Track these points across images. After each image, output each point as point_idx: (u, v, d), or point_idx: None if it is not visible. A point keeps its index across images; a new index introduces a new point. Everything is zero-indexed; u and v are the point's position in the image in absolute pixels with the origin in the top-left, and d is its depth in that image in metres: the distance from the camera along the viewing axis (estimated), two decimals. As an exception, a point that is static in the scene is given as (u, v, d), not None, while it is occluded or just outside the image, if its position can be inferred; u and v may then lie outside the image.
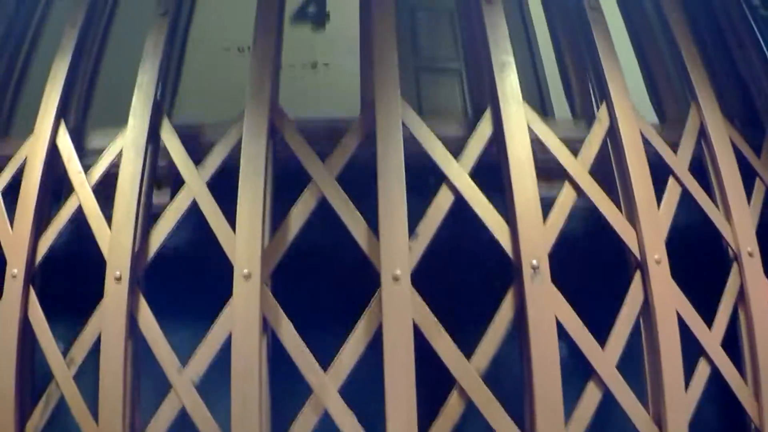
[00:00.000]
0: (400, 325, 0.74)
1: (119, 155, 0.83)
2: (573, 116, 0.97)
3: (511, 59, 0.84)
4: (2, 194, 0.91)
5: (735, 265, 0.93)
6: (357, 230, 0.77)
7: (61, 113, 0.90)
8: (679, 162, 0.91)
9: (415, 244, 0.77)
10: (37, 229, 0.88)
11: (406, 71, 0.85)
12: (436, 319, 0.77)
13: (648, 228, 0.85)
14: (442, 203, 0.79)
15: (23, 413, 0.86)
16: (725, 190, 0.92)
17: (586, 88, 0.96)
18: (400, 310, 0.74)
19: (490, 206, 0.79)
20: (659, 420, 0.85)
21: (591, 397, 0.83)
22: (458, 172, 0.79)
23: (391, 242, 0.75)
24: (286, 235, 0.78)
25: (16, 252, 0.87)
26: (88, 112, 0.96)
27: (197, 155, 0.80)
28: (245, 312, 0.75)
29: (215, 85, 1.10)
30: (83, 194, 0.85)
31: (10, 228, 0.89)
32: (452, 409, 0.77)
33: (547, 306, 0.78)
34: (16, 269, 0.87)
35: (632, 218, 0.86)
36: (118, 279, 0.80)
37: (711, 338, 0.90)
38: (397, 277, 0.75)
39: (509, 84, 0.83)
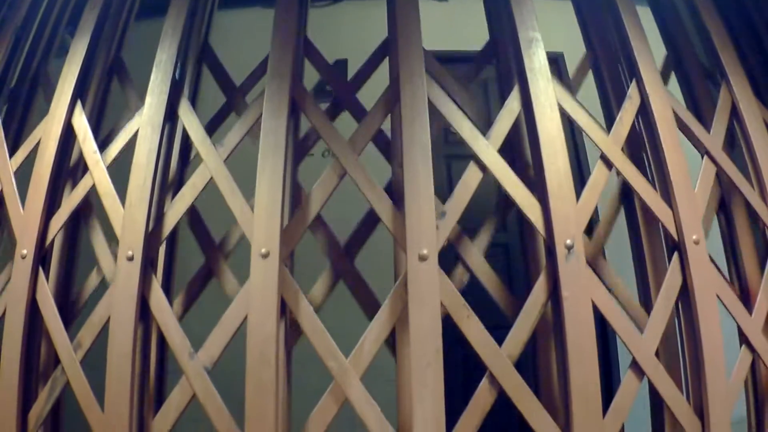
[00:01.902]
0: (427, 308, 0.67)
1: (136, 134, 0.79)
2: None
3: (539, 35, 0.79)
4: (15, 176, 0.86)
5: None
6: (382, 209, 0.71)
7: (78, 94, 0.86)
8: (713, 140, 0.85)
9: (443, 223, 0.71)
10: (49, 209, 0.82)
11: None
12: (464, 301, 0.70)
13: (685, 207, 0.78)
14: (470, 181, 0.72)
15: (27, 398, 0.80)
16: (760, 170, 0.86)
17: (617, 73, 0.90)
18: (427, 292, 0.67)
19: (521, 183, 0.73)
20: (701, 411, 0.77)
21: (630, 385, 0.75)
22: (486, 149, 0.73)
23: (418, 221, 0.69)
24: (307, 213, 0.72)
25: (27, 232, 0.82)
26: (107, 96, 0.92)
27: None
28: (262, 293, 0.68)
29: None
30: (97, 173, 0.80)
31: (21, 208, 0.84)
32: (482, 397, 0.70)
33: (582, 288, 0.71)
34: (25, 250, 0.82)
35: (668, 198, 0.79)
36: (131, 258, 0.74)
37: (752, 324, 0.83)
38: (423, 257, 0.68)
39: (537, 60, 0.77)
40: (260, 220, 0.70)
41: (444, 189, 0.79)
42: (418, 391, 0.67)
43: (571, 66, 0.99)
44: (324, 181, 0.73)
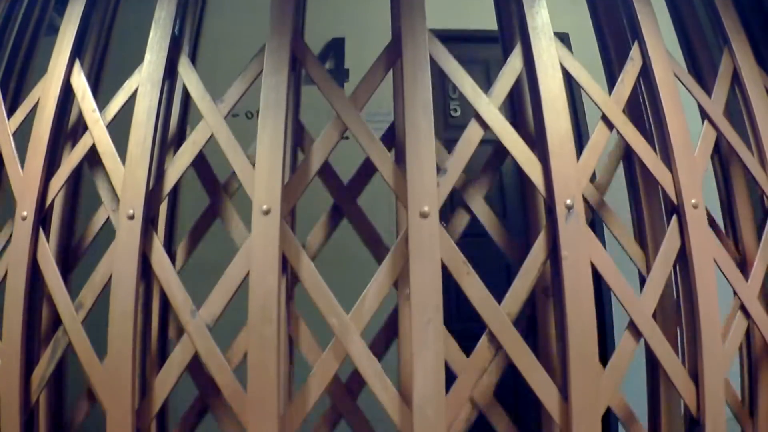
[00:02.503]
0: (427, 264, 0.67)
1: (135, 92, 0.78)
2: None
3: (542, -6, 0.78)
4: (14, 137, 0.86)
5: (772, 216, 0.87)
6: (383, 165, 0.71)
7: (76, 53, 0.85)
8: (714, 105, 0.85)
9: (444, 180, 0.71)
10: (48, 170, 0.82)
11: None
12: (464, 258, 0.70)
13: (684, 171, 0.78)
14: (471, 138, 0.72)
15: (30, 360, 0.80)
16: (760, 137, 0.86)
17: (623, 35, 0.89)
18: (428, 248, 0.67)
19: (521, 141, 0.73)
20: (695, 373, 0.78)
21: (626, 345, 0.76)
22: (488, 107, 0.73)
23: (419, 178, 0.69)
24: (308, 170, 0.72)
25: (27, 194, 0.81)
26: (106, 55, 0.91)
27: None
28: (264, 249, 0.68)
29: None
30: (97, 132, 0.79)
31: (20, 170, 0.84)
32: (481, 355, 0.71)
33: (582, 248, 0.71)
34: (25, 211, 0.81)
35: (668, 161, 0.79)
36: (131, 217, 0.74)
37: (749, 290, 0.84)
38: (425, 214, 0.68)
39: (540, 19, 0.76)
40: (261, 177, 0.69)
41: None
42: (419, 347, 0.67)
43: (577, 45, 0.99)
44: (325, 137, 0.72)
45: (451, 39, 0.93)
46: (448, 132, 1.80)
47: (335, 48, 2.00)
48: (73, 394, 0.91)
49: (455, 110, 1.99)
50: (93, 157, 0.82)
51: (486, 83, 1.99)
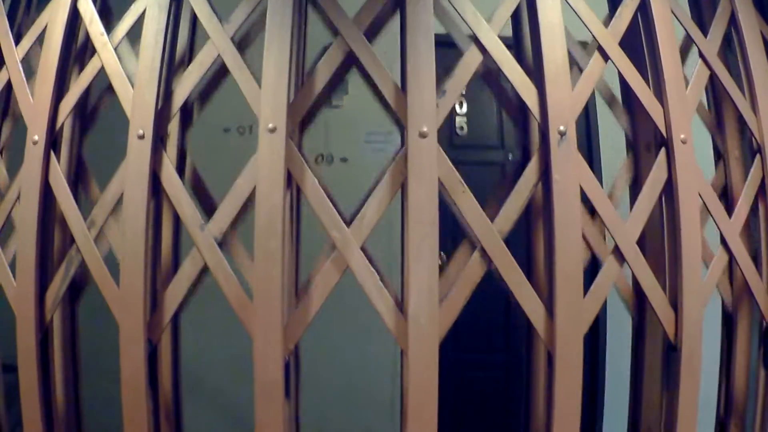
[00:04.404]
0: (425, 182, 0.71)
1: (143, 14, 0.80)
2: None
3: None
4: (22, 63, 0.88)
5: (758, 157, 0.91)
6: (385, 86, 0.74)
7: (83, -23, 0.86)
8: (709, 45, 0.88)
9: (443, 101, 0.74)
10: (58, 94, 0.84)
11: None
12: (460, 177, 0.75)
13: (675, 106, 0.81)
14: (470, 62, 0.75)
15: (44, 279, 0.85)
16: (753, 79, 0.89)
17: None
18: (426, 167, 0.71)
19: (518, 67, 0.76)
20: (675, 302, 0.84)
21: (610, 269, 0.81)
22: (487, 32, 0.75)
23: (419, 99, 0.72)
24: (312, 89, 0.75)
25: (37, 118, 0.84)
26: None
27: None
28: (270, 166, 0.72)
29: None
30: (105, 55, 0.81)
31: (30, 96, 0.87)
32: (472, 271, 0.76)
33: (572, 173, 0.75)
34: (36, 135, 0.84)
35: (660, 95, 0.83)
36: (141, 137, 0.77)
37: (731, 226, 0.89)
38: (424, 134, 0.72)
39: (541, -51, 0.79)
40: (267, 96, 0.73)
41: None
42: (414, 262, 0.72)
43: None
44: (329, 57, 0.75)
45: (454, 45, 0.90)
46: (454, 151, 1.75)
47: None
48: (87, 314, 0.96)
49: (461, 128, 1.97)
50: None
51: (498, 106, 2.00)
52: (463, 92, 1.93)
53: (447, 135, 1.93)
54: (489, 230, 0.74)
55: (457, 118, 1.96)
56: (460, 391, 1.75)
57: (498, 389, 1.81)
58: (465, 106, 1.97)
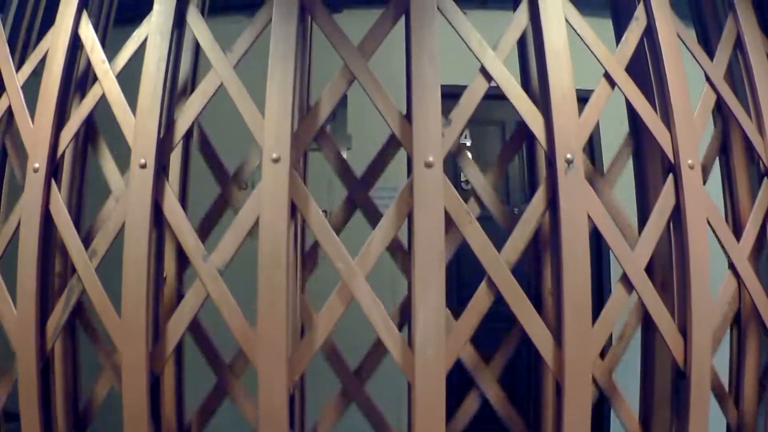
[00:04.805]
0: (431, 212, 0.70)
1: (144, 42, 0.79)
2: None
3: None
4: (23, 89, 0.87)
5: (765, 180, 0.90)
6: (389, 115, 0.73)
7: (84, 4, 0.85)
8: (715, 69, 0.87)
9: (449, 131, 0.73)
10: (59, 122, 0.84)
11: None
12: (467, 207, 0.74)
13: (683, 132, 0.80)
14: (476, 90, 0.74)
15: (45, 309, 0.84)
16: (759, 101, 0.89)
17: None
18: (432, 197, 0.70)
19: (525, 96, 0.75)
20: (684, 329, 0.82)
21: (619, 298, 0.80)
22: (493, 61, 0.75)
23: (424, 128, 0.71)
24: (317, 118, 0.74)
25: (38, 146, 0.83)
26: (113, 6, 0.91)
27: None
28: (273, 196, 0.71)
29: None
30: (107, 83, 0.81)
31: (31, 122, 0.86)
32: (480, 301, 0.75)
33: (579, 201, 0.74)
34: (37, 163, 0.83)
35: (667, 121, 0.82)
36: (143, 166, 0.76)
37: (739, 251, 0.88)
38: (429, 164, 0.71)
39: (547, -25, 0.78)
40: (270, 126, 0.72)
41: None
42: (421, 292, 0.71)
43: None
44: (333, 85, 0.75)
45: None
46: None
47: (337, 106, 1.89)
48: (87, 340, 0.95)
49: (467, 182, 1.96)
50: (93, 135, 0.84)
51: (503, 140, 1.98)
52: (468, 144, 1.95)
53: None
54: (497, 261, 0.73)
55: (462, 173, 1.95)
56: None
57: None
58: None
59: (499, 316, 0.78)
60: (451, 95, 0.77)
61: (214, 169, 0.91)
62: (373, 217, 0.87)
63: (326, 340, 0.79)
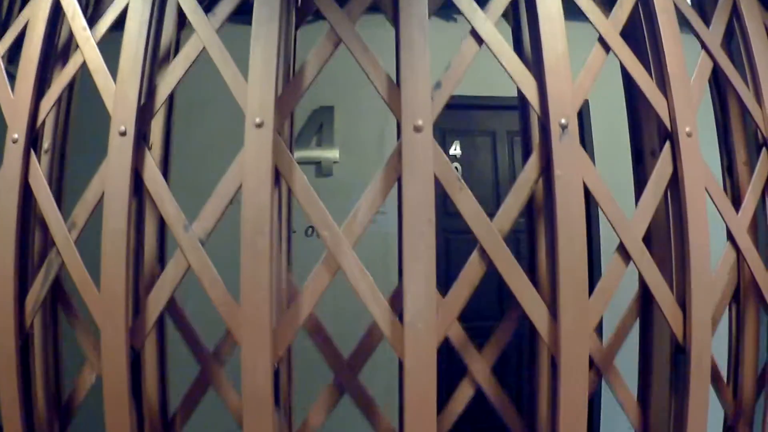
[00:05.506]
0: (420, 178, 0.68)
1: (125, 9, 0.77)
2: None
3: None
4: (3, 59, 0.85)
5: (764, 151, 0.88)
6: (377, 78, 0.71)
7: (65, -29, 0.83)
8: (712, 36, 0.85)
9: (438, 94, 0.71)
10: (38, 92, 0.81)
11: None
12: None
13: (680, 98, 0.78)
14: (466, 53, 0.72)
15: (23, 284, 0.81)
16: (756, 69, 0.87)
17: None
18: (421, 162, 0.68)
19: (517, 58, 0.73)
20: (683, 301, 0.80)
21: (616, 268, 0.77)
22: (484, 22, 0.72)
23: (413, 91, 0.69)
24: (301, 82, 0.72)
25: (17, 116, 0.81)
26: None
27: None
28: (256, 162, 0.69)
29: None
30: (87, 50, 0.78)
31: (11, 92, 0.83)
32: (472, 269, 0.72)
33: (574, 168, 0.72)
34: (16, 134, 0.81)
35: (663, 87, 0.80)
36: (123, 133, 0.74)
37: (738, 222, 0.85)
38: (418, 128, 0.69)
39: (539, -62, 0.76)
40: (254, 90, 0.69)
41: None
42: (410, 260, 0.68)
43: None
44: (319, 49, 0.72)
45: (460, 107, 0.86)
46: (449, 219, 1.67)
47: (324, 116, 1.84)
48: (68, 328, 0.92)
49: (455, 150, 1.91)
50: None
51: (493, 150, 1.93)
52: (458, 156, 1.90)
53: (441, 201, 1.88)
54: (489, 229, 0.70)
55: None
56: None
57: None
58: (460, 170, 1.92)
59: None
60: (450, 106, 0.72)
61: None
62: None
63: (319, 330, 0.77)
